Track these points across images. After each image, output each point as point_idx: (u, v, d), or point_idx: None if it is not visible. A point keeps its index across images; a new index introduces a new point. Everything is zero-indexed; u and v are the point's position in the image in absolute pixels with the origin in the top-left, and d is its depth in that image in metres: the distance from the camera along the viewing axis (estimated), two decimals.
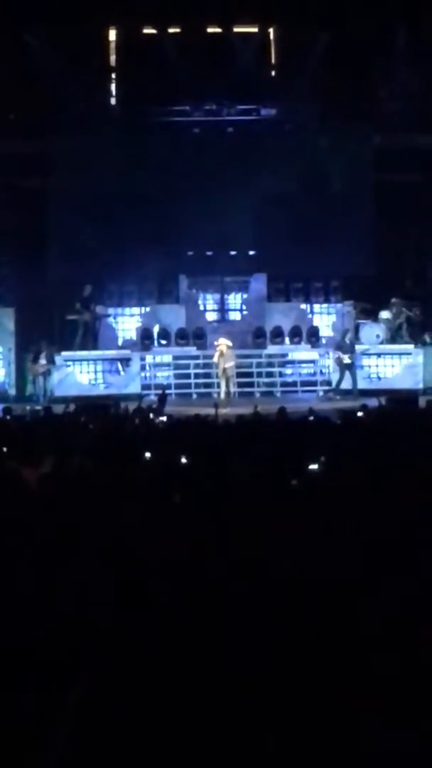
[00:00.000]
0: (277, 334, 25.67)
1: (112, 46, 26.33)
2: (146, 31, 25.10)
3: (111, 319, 26.73)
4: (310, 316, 27.11)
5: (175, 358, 25.23)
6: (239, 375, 23.90)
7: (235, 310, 27.48)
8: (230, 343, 23.62)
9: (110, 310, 26.76)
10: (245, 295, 27.22)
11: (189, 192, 25.71)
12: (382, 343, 24.76)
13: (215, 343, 23.79)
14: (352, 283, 26.68)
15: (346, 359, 23.51)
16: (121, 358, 24.65)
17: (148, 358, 25.20)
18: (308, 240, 25.27)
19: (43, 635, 4.28)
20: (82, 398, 21.74)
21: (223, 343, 23.49)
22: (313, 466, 9.61)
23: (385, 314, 25.06)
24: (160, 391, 21.49)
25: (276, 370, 25.37)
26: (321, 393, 24.37)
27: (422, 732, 3.52)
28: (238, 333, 25.31)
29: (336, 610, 4.51)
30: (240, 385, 23.87)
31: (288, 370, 25.68)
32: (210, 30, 24.48)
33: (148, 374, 24.98)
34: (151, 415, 16.90)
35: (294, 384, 25.19)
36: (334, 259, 25.78)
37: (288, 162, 26.15)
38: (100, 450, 11.26)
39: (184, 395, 24.37)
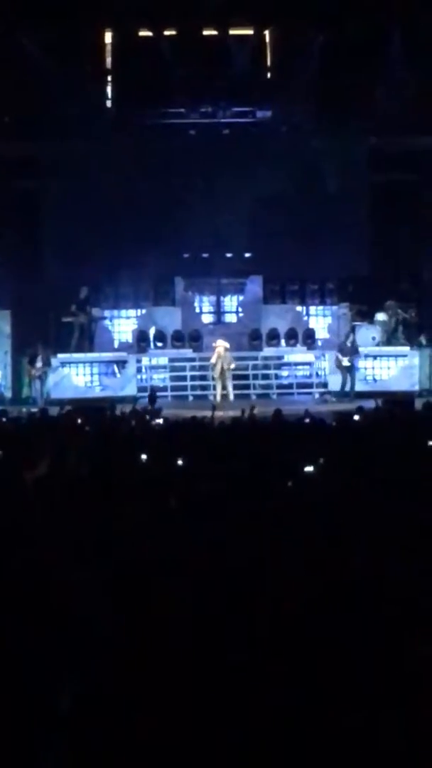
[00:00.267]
0: (273, 336, 25.68)
1: (108, 48, 26.31)
2: (142, 33, 25.09)
3: (107, 322, 26.73)
4: (306, 318, 27.12)
5: (171, 360, 25.22)
6: (235, 377, 23.89)
7: (231, 312, 27.47)
8: (228, 345, 23.62)
9: (106, 313, 26.77)
10: (241, 297, 27.22)
11: (185, 194, 25.71)
12: (378, 345, 24.78)
13: (213, 344, 23.78)
14: (348, 285, 26.69)
15: (345, 362, 23.51)
16: (117, 360, 24.66)
17: (144, 361, 25.19)
18: (304, 242, 25.26)
19: (39, 636, 4.27)
20: (78, 400, 21.73)
21: (221, 344, 23.48)
22: (309, 468, 9.60)
23: (380, 316, 25.08)
24: (149, 391, 21.45)
25: (272, 372, 25.38)
26: (317, 395, 24.37)
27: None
28: (234, 335, 25.31)
29: (333, 610, 4.51)
30: (236, 387, 23.85)
31: (284, 372, 25.68)
32: (206, 32, 24.47)
33: (144, 376, 24.98)
34: (147, 417, 16.89)
35: (290, 386, 25.18)
36: (329, 261, 25.78)
37: (284, 164, 26.15)
38: (96, 452, 11.25)
39: (180, 397, 24.36)
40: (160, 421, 16.49)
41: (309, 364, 25.58)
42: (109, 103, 27.01)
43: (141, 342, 25.68)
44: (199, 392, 24.46)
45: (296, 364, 25.68)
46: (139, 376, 24.72)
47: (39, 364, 23.68)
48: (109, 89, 26.92)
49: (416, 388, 23.84)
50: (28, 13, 23.10)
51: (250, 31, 24.88)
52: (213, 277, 26.99)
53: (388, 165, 25.86)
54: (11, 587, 4.94)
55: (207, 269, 26.68)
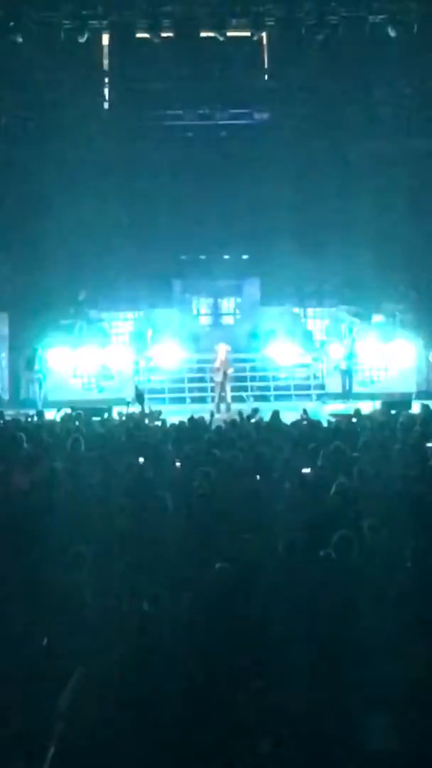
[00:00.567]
0: (271, 338, 25.65)
1: (106, 50, 26.30)
2: (139, 35, 25.07)
3: (105, 323, 26.70)
4: (303, 320, 27.09)
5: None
6: (232, 379, 23.86)
7: (228, 314, 27.45)
8: (229, 348, 23.59)
9: (104, 315, 26.74)
10: (239, 299, 27.21)
11: (182, 196, 25.70)
12: (375, 346, 24.76)
13: (216, 348, 23.65)
14: (345, 287, 26.67)
15: (343, 365, 23.50)
16: (115, 362, 24.62)
17: (142, 363, 25.14)
18: (301, 244, 25.25)
19: (35, 637, 4.27)
20: (75, 403, 21.70)
21: (223, 348, 23.44)
22: (306, 470, 9.62)
23: (378, 318, 25.07)
24: (136, 390, 21.37)
25: (269, 374, 25.34)
26: (315, 397, 24.35)
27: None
28: (231, 337, 25.28)
29: (330, 610, 4.51)
30: (233, 389, 23.82)
31: (282, 374, 25.64)
32: (203, 34, 24.45)
33: (141, 379, 24.93)
34: (146, 420, 16.88)
35: (287, 388, 25.15)
36: (326, 263, 25.78)
37: (281, 165, 26.13)
38: (93, 454, 11.25)
39: (177, 399, 24.32)
40: (158, 423, 16.51)
41: (306, 366, 25.55)
42: (106, 105, 27.00)
43: (138, 344, 25.65)
44: (196, 394, 24.42)
45: (294, 366, 25.65)
46: (136, 378, 24.69)
47: (36, 366, 23.65)
48: (106, 91, 26.91)
49: (414, 389, 23.82)
50: (25, 14, 23.07)
51: (248, 34, 24.85)
52: (210, 278, 26.98)
53: (385, 167, 25.85)
54: (7, 587, 4.94)
55: (204, 271, 26.67)
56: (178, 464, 10.82)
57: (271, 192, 25.81)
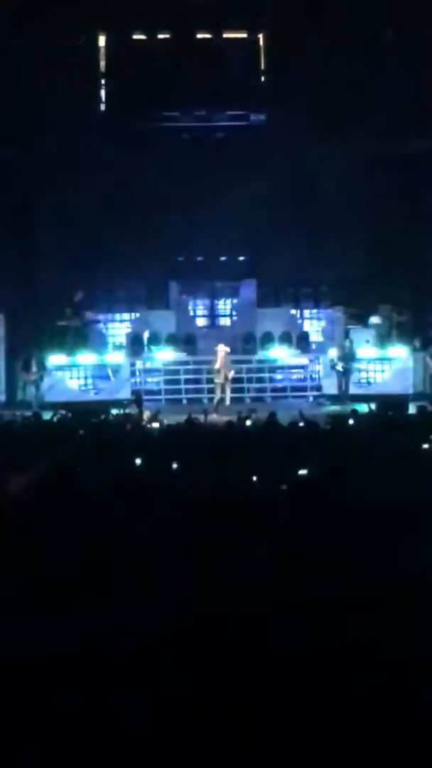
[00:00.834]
0: (267, 340, 25.68)
1: (102, 51, 26.31)
2: (136, 36, 25.09)
3: (101, 325, 26.72)
4: (300, 321, 27.12)
5: (165, 363, 25.21)
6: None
7: (225, 315, 27.48)
8: (228, 350, 23.59)
9: (100, 316, 26.75)
10: (235, 301, 27.22)
11: (179, 198, 25.70)
12: (372, 348, 24.79)
13: (216, 349, 23.65)
14: (342, 288, 26.69)
15: (340, 366, 23.51)
16: (111, 364, 24.64)
17: (138, 364, 25.17)
18: (298, 245, 25.27)
19: (31, 638, 4.27)
20: (72, 404, 21.69)
21: (222, 349, 23.44)
22: (303, 472, 9.61)
23: (374, 319, 25.10)
24: (136, 394, 21.36)
25: (266, 375, 25.36)
26: (311, 398, 24.37)
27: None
28: (228, 338, 25.29)
29: (326, 618, 4.51)
30: (231, 390, 23.83)
31: (278, 376, 25.66)
32: (200, 36, 24.50)
33: (138, 380, 24.96)
34: (145, 423, 16.86)
35: (284, 389, 25.18)
36: (323, 265, 25.80)
37: (278, 168, 26.11)
38: (90, 456, 11.25)
39: (174, 401, 24.32)
40: (156, 425, 16.49)
41: (303, 367, 25.57)
42: (103, 107, 27.01)
43: (135, 345, 25.67)
44: (193, 395, 24.44)
45: (290, 367, 25.67)
46: (133, 380, 24.71)
47: (33, 368, 23.65)
48: (102, 93, 26.92)
49: (410, 391, 23.84)
50: (21, 16, 23.08)
51: (245, 35, 24.91)
52: (207, 280, 27.00)
53: (381, 169, 25.88)
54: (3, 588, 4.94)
55: (201, 273, 26.70)
56: (175, 466, 10.82)
57: (268, 193, 25.81)
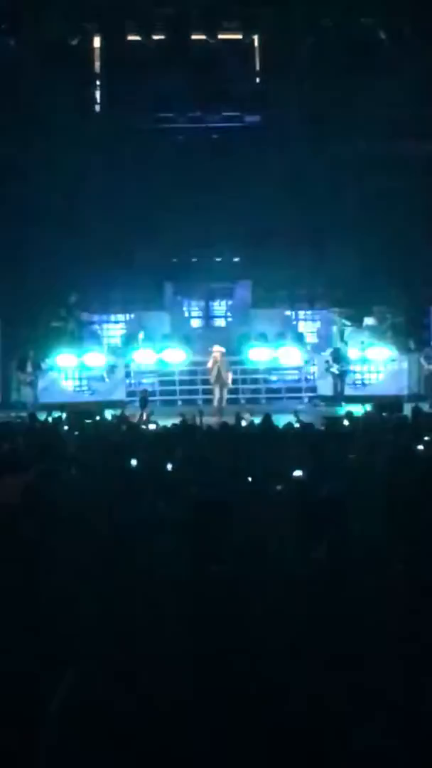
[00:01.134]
0: (262, 341, 25.66)
1: (97, 52, 26.30)
2: (131, 38, 25.09)
3: (96, 326, 26.70)
4: (294, 322, 27.12)
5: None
6: None
7: (220, 316, 27.46)
8: (224, 350, 23.57)
9: (95, 317, 26.74)
10: (230, 302, 27.21)
11: (173, 199, 25.70)
12: (366, 349, 24.81)
13: (210, 350, 23.63)
14: (337, 289, 26.71)
15: (335, 369, 23.52)
16: (106, 365, 24.63)
17: (133, 365, 25.15)
18: (292, 246, 25.29)
19: (29, 638, 4.28)
20: (67, 405, 21.68)
21: (218, 350, 23.42)
22: (298, 473, 9.62)
23: (369, 321, 25.12)
24: (142, 394, 21.30)
25: (261, 376, 25.35)
26: (306, 400, 24.36)
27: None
28: (223, 339, 25.27)
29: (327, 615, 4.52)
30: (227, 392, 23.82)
31: (273, 377, 25.65)
32: (195, 37, 24.48)
33: (132, 381, 24.94)
34: (142, 425, 16.85)
35: (279, 391, 25.17)
36: (318, 266, 25.81)
37: (272, 169, 26.15)
38: (85, 457, 11.25)
39: (168, 402, 24.30)
40: (153, 426, 16.49)
41: (298, 368, 25.56)
42: (98, 108, 27.00)
43: (130, 346, 25.65)
44: (187, 396, 24.42)
45: (285, 368, 25.66)
46: (127, 381, 24.70)
47: (29, 369, 23.63)
48: (98, 94, 26.90)
49: (405, 392, 23.85)
50: (16, 18, 23.08)
51: (239, 37, 24.91)
52: (202, 281, 26.99)
53: (376, 170, 25.90)
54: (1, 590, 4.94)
55: (196, 274, 26.69)
56: (169, 467, 10.82)
57: (263, 195, 25.82)
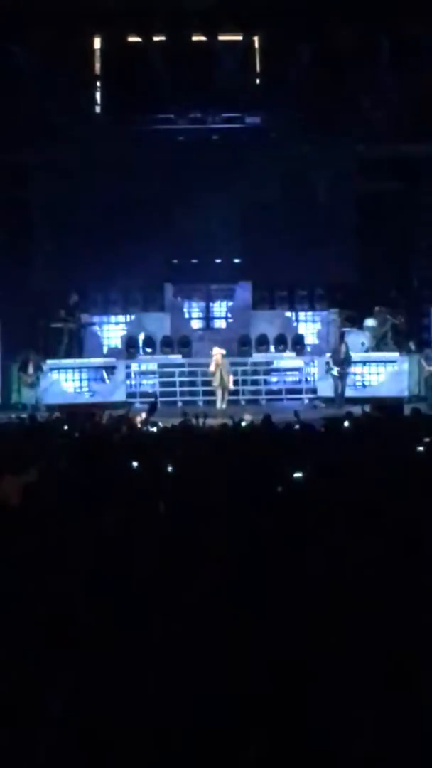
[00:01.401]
0: (262, 342, 25.69)
1: (97, 54, 26.29)
2: (131, 39, 25.06)
3: (96, 327, 26.72)
4: (295, 324, 27.14)
5: (161, 366, 25.20)
6: None
7: (220, 318, 27.49)
8: (224, 352, 23.59)
9: (95, 318, 26.76)
10: (230, 303, 27.24)
11: (174, 200, 25.73)
12: (367, 350, 24.84)
13: (211, 352, 23.62)
14: (337, 291, 26.74)
15: (335, 371, 23.52)
16: (107, 366, 24.65)
17: (134, 367, 25.18)
18: (293, 248, 25.31)
19: (29, 639, 4.27)
20: (67, 406, 21.70)
21: (218, 352, 23.43)
22: (298, 474, 9.61)
23: (370, 322, 25.14)
24: (151, 400, 21.22)
25: (261, 378, 25.38)
26: (306, 401, 24.38)
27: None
28: (223, 341, 25.29)
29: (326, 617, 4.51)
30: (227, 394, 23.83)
31: (273, 378, 25.68)
32: (195, 38, 24.45)
33: (133, 382, 24.96)
34: (141, 426, 16.83)
35: (279, 392, 25.19)
36: (318, 267, 25.83)
37: (272, 170, 26.17)
38: (85, 458, 11.24)
39: (169, 404, 24.30)
40: (154, 429, 16.47)
41: (298, 369, 25.58)
42: (98, 109, 26.99)
43: (130, 348, 25.68)
44: (188, 398, 24.43)
45: (285, 369, 25.68)
46: (128, 382, 24.72)
47: (30, 370, 23.64)
48: (98, 95, 26.90)
49: (405, 394, 23.87)
50: (16, 19, 23.05)
51: (239, 37, 24.87)
52: (202, 283, 27.02)
53: (375, 172, 25.93)
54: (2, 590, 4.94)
55: (196, 275, 26.70)
56: (170, 469, 10.81)
57: (263, 196, 25.85)
